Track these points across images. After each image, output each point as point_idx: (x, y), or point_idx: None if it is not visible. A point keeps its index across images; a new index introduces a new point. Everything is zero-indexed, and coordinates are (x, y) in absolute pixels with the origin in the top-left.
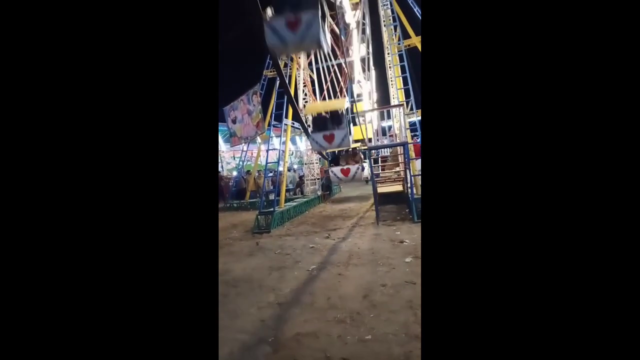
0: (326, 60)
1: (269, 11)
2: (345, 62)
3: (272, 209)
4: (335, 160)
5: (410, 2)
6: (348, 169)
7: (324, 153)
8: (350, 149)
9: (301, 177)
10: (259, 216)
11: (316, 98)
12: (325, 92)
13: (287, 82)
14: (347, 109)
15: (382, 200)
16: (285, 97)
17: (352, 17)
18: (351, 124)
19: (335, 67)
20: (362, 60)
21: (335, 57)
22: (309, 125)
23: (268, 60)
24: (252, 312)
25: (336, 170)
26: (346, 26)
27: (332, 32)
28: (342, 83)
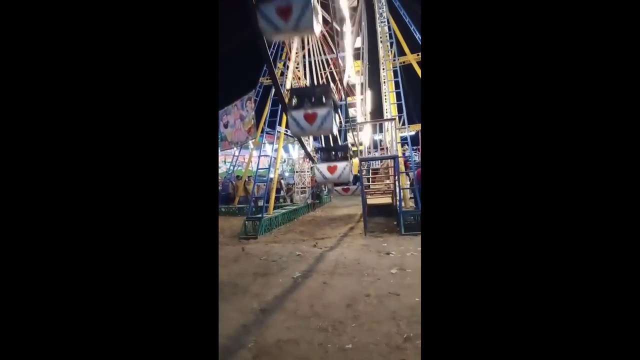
0: (320, 55)
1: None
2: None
3: (260, 215)
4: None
5: (407, 21)
6: (335, 167)
7: (312, 154)
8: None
9: (289, 185)
10: (246, 222)
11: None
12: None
13: (282, 91)
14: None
15: (371, 212)
16: (280, 105)
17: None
18: (338, 109)
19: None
20: (361, 84)
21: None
22: (286, 96)
23: (264, 68)
24: (235, 316)
25: (322, 167)
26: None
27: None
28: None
